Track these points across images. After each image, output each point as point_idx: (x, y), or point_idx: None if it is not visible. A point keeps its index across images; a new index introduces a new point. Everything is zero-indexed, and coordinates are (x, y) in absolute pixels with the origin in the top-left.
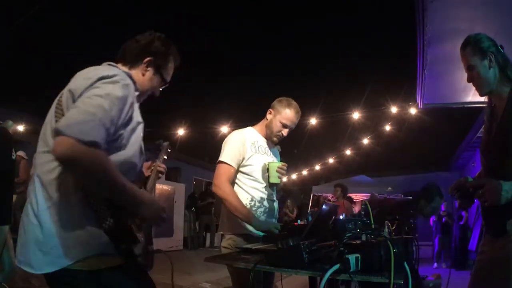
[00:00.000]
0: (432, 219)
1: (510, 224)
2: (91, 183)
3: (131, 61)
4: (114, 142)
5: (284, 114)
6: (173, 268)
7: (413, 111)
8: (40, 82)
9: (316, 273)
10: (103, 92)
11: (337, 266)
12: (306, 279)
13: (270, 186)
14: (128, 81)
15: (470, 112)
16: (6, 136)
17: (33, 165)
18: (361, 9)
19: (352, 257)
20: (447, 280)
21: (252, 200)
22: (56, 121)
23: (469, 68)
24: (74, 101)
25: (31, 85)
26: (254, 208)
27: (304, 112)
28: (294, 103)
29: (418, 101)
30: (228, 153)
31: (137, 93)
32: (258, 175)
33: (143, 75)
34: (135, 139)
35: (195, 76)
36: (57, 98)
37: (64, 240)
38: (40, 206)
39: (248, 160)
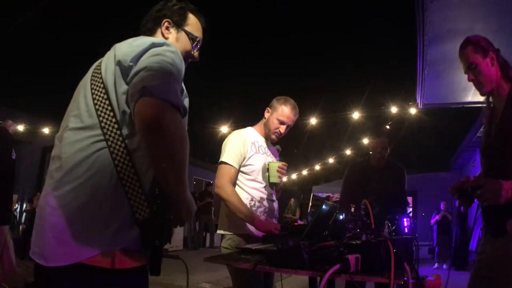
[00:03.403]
0: (434, 218)
1: (510, 224)
2: (165, 155)
3: (150, 31)
4: None
5: (280, 111)
6: (174, 269)
7: (413, 111)
8: (41, 82)
9: (316, 273)
10: (170, 60)
11: (337, 266)
12: (306, 279)
13: (270, 186)
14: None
15: (470, 112)
16: (6, 136)
17: (56, 145)
18: (361, 10)
19: (352, 257)
20: (446, 280)
21: (251, 200)
22: (93, 93)
23: (470, 67)
24: (122, 70)
25: (31, 85)
26: (253, 208)
27: (304, 112)
28: (291, 100)
29: (418, 101)
30: (229, 154)
31: None
32: (258, 175)
33: (167, 38)
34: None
35: (195, 76)
36: (91, 70)
37: (86, 228)
38: (63, 186)
39: (249, 160)
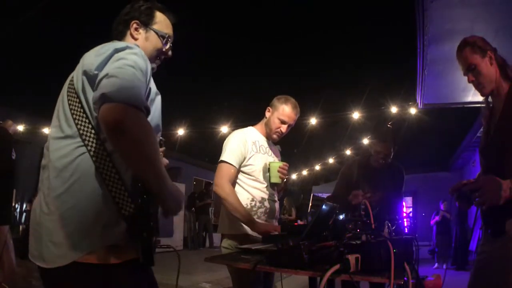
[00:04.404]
0: (434, 219)
1: (509, 224)
2: (135, 155)
3: (121, 34)
4: None
5: (281, 110)
6: (174, 268)
7: (413, 111)
8: (41, 82)
9: (316, 273)
10: (132, 63)
11: (337, 266)
12: (306, 279)
13: (271, 186)
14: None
15: (470, 112)
16: (6, 136)
17: (45, 154)
18: (361, 10)
19: (352, 257)
20: (443, 279)
21: (252, 200)
22: (69, 104)
23: (470, 68)
24: (89, 79)
25: (31, 85)
26: (254, 208)
27: (304, 112)
28: (291, 99)
29: (418, 101)
30: (230, 153)
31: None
32: (259, 175)
33: (136, 39)
34: (154, 111)
35: (195, 76)
36: (67, 83)
37: (77, 229)
38: (52, 193)
39: (249, 159)
